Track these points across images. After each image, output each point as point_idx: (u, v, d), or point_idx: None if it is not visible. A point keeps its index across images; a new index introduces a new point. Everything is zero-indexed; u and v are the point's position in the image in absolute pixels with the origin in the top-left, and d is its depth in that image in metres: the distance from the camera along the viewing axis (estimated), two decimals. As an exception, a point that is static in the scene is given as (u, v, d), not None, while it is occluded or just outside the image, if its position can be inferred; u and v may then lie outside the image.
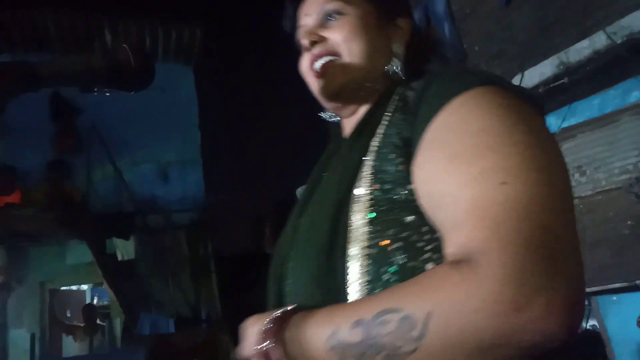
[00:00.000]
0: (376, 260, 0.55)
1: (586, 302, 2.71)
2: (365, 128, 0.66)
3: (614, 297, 2.90)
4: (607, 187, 2.71)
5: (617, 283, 2.65)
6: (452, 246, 0.48)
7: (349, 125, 0.75)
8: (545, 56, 2.65)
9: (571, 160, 2.72)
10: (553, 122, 2.78)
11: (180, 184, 6.42)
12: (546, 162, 0.50)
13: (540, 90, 2.70)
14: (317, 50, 0.71)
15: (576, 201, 2.65)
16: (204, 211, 6.37)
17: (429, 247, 0.55)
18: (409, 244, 0.55)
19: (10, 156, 5.59)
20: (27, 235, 5.11)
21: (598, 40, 2.40)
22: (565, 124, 2.80)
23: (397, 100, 0.65)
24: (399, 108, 0.63)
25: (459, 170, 0.50)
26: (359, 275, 0.56)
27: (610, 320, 2.94)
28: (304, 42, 0.73)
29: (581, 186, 2.75)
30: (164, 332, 5.33)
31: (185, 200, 6.29)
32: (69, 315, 6.92)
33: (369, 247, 0.56)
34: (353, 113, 0.74)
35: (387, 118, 0.64)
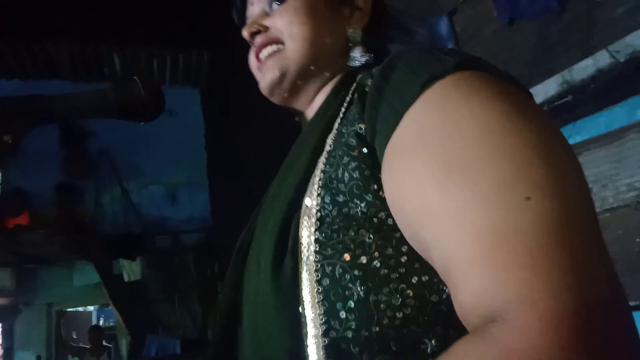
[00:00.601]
0: (328, 291, 0.43)
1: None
2: (319, 123, 0.54)
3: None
4: (615, 205, 2.70)
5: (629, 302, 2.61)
6: (464, 294, 0.35)
7: (304, 121, 0.66)
8: (549, 75, 2.67)
9: (578, 179, 2.70)
10: (559, 140, 2.77)
11: (188, 205, 6.45)
12: (568, 164, 0.39)
13: (544, 108, 2.71)
14: (258, 40, 0.63)
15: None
16: (211, 232, 6.38)
17: (395, 275, 0.42)
18: (369, 272, 0.42)
19: (20, 179, 5.65)
20: (36, 258, 5.14)
21: (601, 59, 2.42)
22: (571, 142, 2.80)
23: (354, 89, 0.54)
24: (355, 99, 0.51)
25: (460, 183, 0.37)
26: (311, 311, 0.43)
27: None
28: (244, 34, 0.64)
29: (589, 204, 2.73)
30: (170, 354, 5.29)
31: (192, 222, 6.31)
32: (75, 336, 6.90)
33: (318, 273, 0.44)
34: (302, 104, 0.64)
35: (342, 111, 0.53)
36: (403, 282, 0.42)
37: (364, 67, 0.59)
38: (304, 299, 0.44)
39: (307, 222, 0.46)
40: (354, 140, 0.47)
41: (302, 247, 0.45)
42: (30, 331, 5.67)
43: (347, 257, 0.43)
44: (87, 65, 6.25)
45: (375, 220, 0.44)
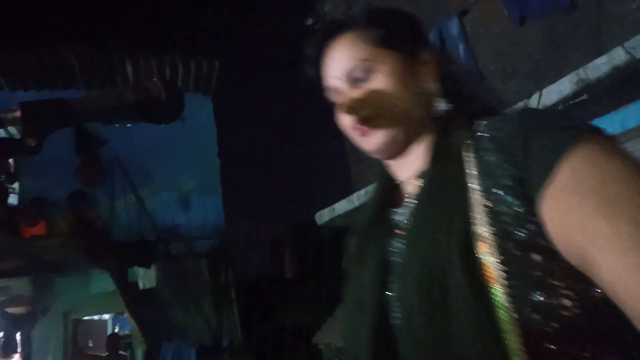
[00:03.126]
0: (515, 299, 0.56)
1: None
2: (449, 166, 0.65)
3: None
4: (634, 204, 2.65)
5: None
6: (635, 306, 0.49)
7: (404, 166, 0.76)
8: (561, 73, 2.64)
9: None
10: (574, 139, 2.73)
11: (201, 211, 6.48)
12: None
13: (560, 107, 2.68)
14: (359, 115, 0.72)
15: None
16: (225, 238, 6.40)
17: (562, 284, 0.56)
18: (543, 283, 0.56)
19: (36, 187, 5.73)
20: (52, 266, 5.18)
21: (617, 56, 2.38)
22: (587, 141, 2.75)
23: (480, 138, 0.65)
24: (487, 149, 0.63)
25: (624, 217, 0.50)
26: (507, 315, 0.55)
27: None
28: (342, 108, 0.73)
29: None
30: (186, 362, 5.30)
31: (206, 228, 6.34)
32: (91, 345, 6.94)
33: (506, 286, 0.56)
34: (402, 155, 0.75)
35: (471, 157, 0.64)
36: (569, 290, 0.56)
37: (449, 115, 0.72)
38: (499, 306, 0.56)
39: (485, 247, 0.58)
40: (510, 182, 0.59)
41: (488, 268, 0.57)
42: (48, 340, 5.72)
43: (524, 271, 0.56)
44: (99, 72, 6.33)
45: (539, 244, 0.57)
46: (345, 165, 5.03)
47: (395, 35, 0.73)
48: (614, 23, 2.71)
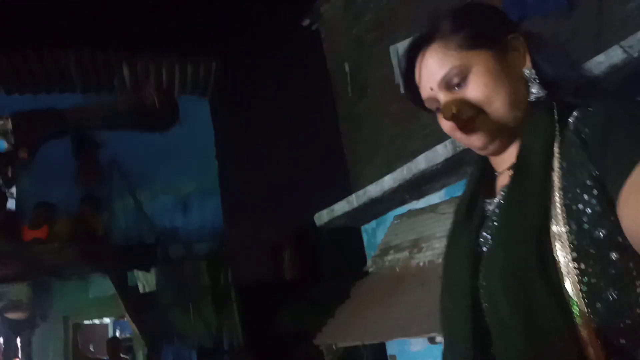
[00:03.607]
0: (588, 295, 0.58)
1: None
2: (536, 161, 0.67)
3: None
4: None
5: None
6: None
7: (502, 158, 0.77)
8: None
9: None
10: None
11: (200, 214, 6.47)
12: None
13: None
14: (462, 118, 0.73)
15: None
16: (224, 240, 6.38)
17: (637, 282, 0.58)
18: (618, 280, 0.58)
19: (32, 191, 5.71)
20: (52, 270, 5.17)
21: (614, 55, 2.37)
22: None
23: (568, 132, 0.66)
24: (573, 143, 0.64)
25: None
26: (579, 313, 0.58)
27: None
28: (446, 114, 0.74)
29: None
30: (187, 364, 5.29)
31: (204, 230, 6.32)
32: (92, 349, 6.93)
33: (579, 283, 0.59)
34: (508, 147, 0.76)
35: (558, 151, 0.66)
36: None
37: (548, 101, 0.72)
38: (573, 303, 0.59)
39: (560, 245, 0.61)
40: (590, 182, 0.61)
41: (561, 264, 0.60)
42: (48, 344, 5.70)
43: (598, 269, 0.58)
44: (96, 75, 6.31)
45: (617, 242, 0.58)
46: (343, 167, 5.04)
47: (480, 34, 0.74)
48: (615, 23, 2.70)
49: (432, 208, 3.65)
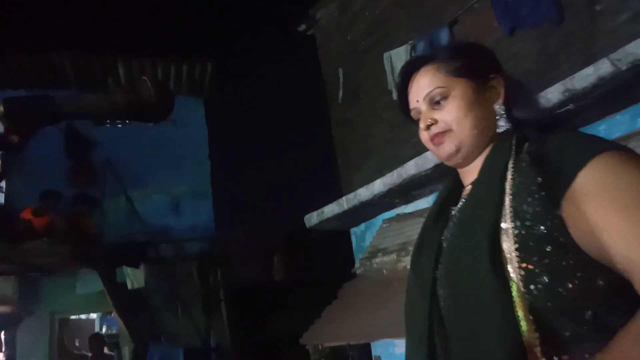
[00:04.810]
0: (525, 278, 0.71)
1: None
2: (493, 174, 0.81)
3: None
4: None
5: None
6: None
7: (469, 173, 0.92)
8: (551, 84, 2.68)
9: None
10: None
11: (191, 214, 6.47)
12: None
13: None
14: (434, 130, 0.89)
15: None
16: (214, 241, 6.38)
17: (569, 271, 0.70)
18: (551, 268, 0.70)
19: (22, 188, 5.68)
20: (39, 267, 5.13)
21: (603, 67, 2.41)
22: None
23: (522, 153, 0.80)
24: (527, 160, 0.78)
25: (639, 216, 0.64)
26: (517, 293, 0.71)
27: None
28: (422, 125, 0.91)
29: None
30: (173, 363, 5.27)
31: (195, 230, 6.32)
32: (77, 344, 6.88)
33: (519, 268, 0.72)
34: (470, 163, 0.91)
35: (512, 166, 0.80)
36: (576, 273, 0.69)
37: (510, 132, 0.87)
38: (512, 284, 0.71)
39: (506, 237, 0.74)
40: (534, 187, 0.74)
41: (505, 253, 0.73)
42: (33, 340, 5.65)
43: (535, 259, 0.71)
44: (91, 75, 6.30)
45: (553, 237, 0.71)
46: (335, 171, 5.06)
47: (467, 67, 0.89)
48: (604, 35, 2.75)
49: (421, 213, 3.68)
